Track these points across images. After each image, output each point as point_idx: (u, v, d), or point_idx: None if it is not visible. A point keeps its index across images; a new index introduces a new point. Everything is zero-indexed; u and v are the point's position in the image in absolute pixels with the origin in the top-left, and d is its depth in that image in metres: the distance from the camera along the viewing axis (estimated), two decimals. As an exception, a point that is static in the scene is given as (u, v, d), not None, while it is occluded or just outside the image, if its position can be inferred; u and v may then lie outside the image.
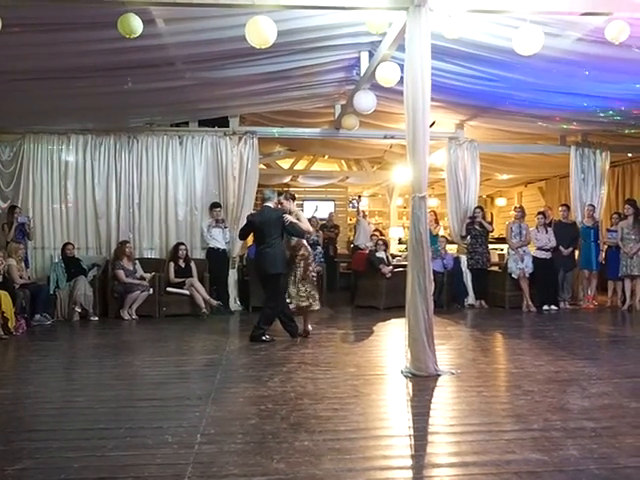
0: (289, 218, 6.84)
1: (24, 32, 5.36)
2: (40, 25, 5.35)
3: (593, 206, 10.04)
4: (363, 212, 13.76)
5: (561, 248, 9.59)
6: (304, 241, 7.00)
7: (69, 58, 6.13)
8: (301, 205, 13.30)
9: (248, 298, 9.36)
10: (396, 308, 8.12)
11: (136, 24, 4.86)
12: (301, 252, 6.90)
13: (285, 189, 15.32)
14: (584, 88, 7.25)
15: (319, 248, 11.17)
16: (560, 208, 10.22)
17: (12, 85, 6.86)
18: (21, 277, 8.19)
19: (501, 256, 11.80)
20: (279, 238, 6.91)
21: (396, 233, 15.09)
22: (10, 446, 3.49)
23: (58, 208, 9.45)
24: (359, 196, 14.49)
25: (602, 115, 8.55)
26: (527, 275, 9.44)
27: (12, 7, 4.75)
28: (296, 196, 7.65)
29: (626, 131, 9.65)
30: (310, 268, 6.94)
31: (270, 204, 7.09)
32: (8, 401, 4.52)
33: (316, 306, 6.98)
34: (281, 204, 7.12)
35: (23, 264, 8.45)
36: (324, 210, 12.57)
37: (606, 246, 9.83)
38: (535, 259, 9.55)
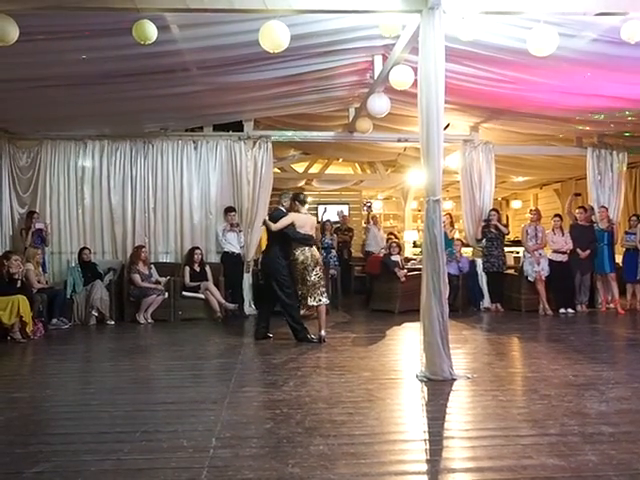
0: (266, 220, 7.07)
1: (41, 40, 5.43)
2: (56, 33, 5.42)
3: (605, 208, 9.91)
4: (374, 218, 13.66)
5: (578, 251, 9.48)
6: (304, 245, 6.90)
7: (85, 65, 6.18)
8: (315, 209, 13.28)
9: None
10: (411, 312, 8.09)
11: (151, 30, 4.91)
12: (295, 256, 6.90)
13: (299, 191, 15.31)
14: (599, 89, 7.18)
15: (333, 252, 11.17)
16: (577, 210, 10.08)
17: (29, 92, 6.95)
18: (39, 282, 8.28)
19: (517, 259, 11.70)
20: (273, 242, 7.10)
21: (411, 236, 15.04)
22: (28, 449, 3.53)
23: (75, 213, 9.56)
24: (370, 204, 14.42)
25: (618, 115, 8.46)
26: (543, 278, 9.35)
27: (29, 15, 4.81)
28: (304, 197, 7.30)
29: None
30: (306, 272, 6.85)
31: (280, 207, 7.21)
32: (26, 404, 4.58)
33: (303, 309, 6.89)
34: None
35: (41, 269, 8.56)
36: (333, 213, 12.44)
37: (624, 249, 9.71)
38: (551, 262, 9.45)
